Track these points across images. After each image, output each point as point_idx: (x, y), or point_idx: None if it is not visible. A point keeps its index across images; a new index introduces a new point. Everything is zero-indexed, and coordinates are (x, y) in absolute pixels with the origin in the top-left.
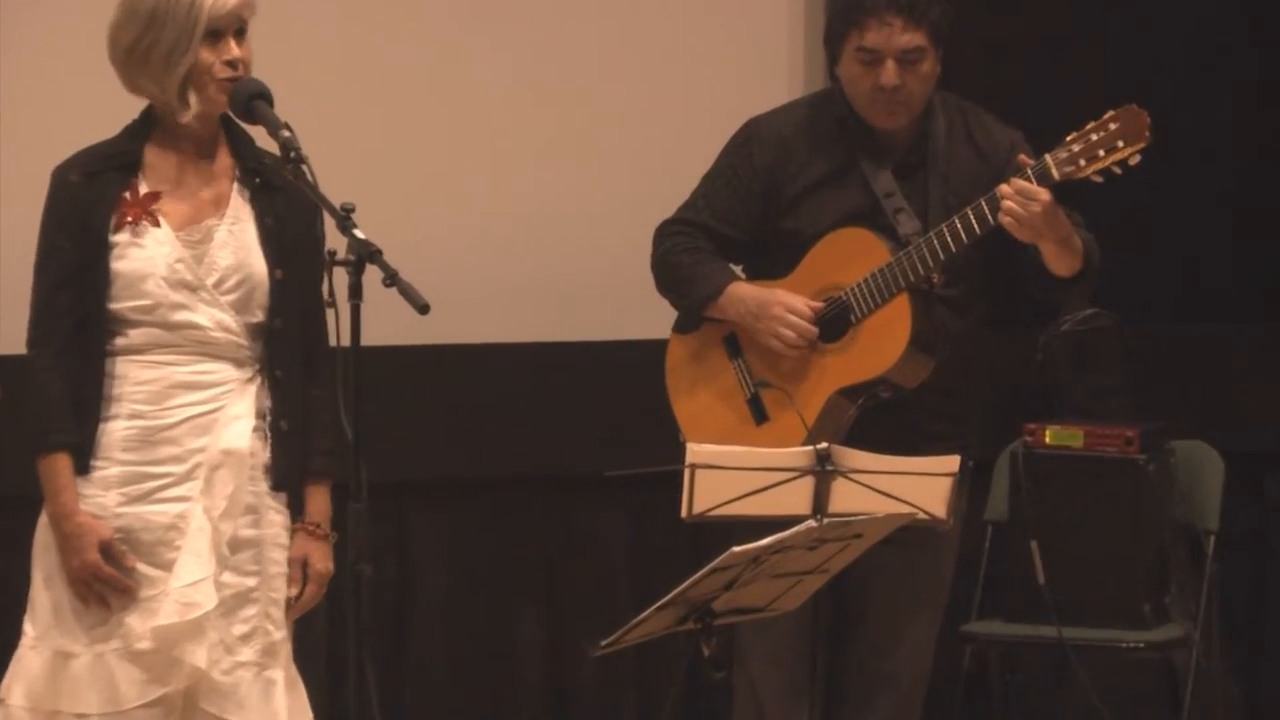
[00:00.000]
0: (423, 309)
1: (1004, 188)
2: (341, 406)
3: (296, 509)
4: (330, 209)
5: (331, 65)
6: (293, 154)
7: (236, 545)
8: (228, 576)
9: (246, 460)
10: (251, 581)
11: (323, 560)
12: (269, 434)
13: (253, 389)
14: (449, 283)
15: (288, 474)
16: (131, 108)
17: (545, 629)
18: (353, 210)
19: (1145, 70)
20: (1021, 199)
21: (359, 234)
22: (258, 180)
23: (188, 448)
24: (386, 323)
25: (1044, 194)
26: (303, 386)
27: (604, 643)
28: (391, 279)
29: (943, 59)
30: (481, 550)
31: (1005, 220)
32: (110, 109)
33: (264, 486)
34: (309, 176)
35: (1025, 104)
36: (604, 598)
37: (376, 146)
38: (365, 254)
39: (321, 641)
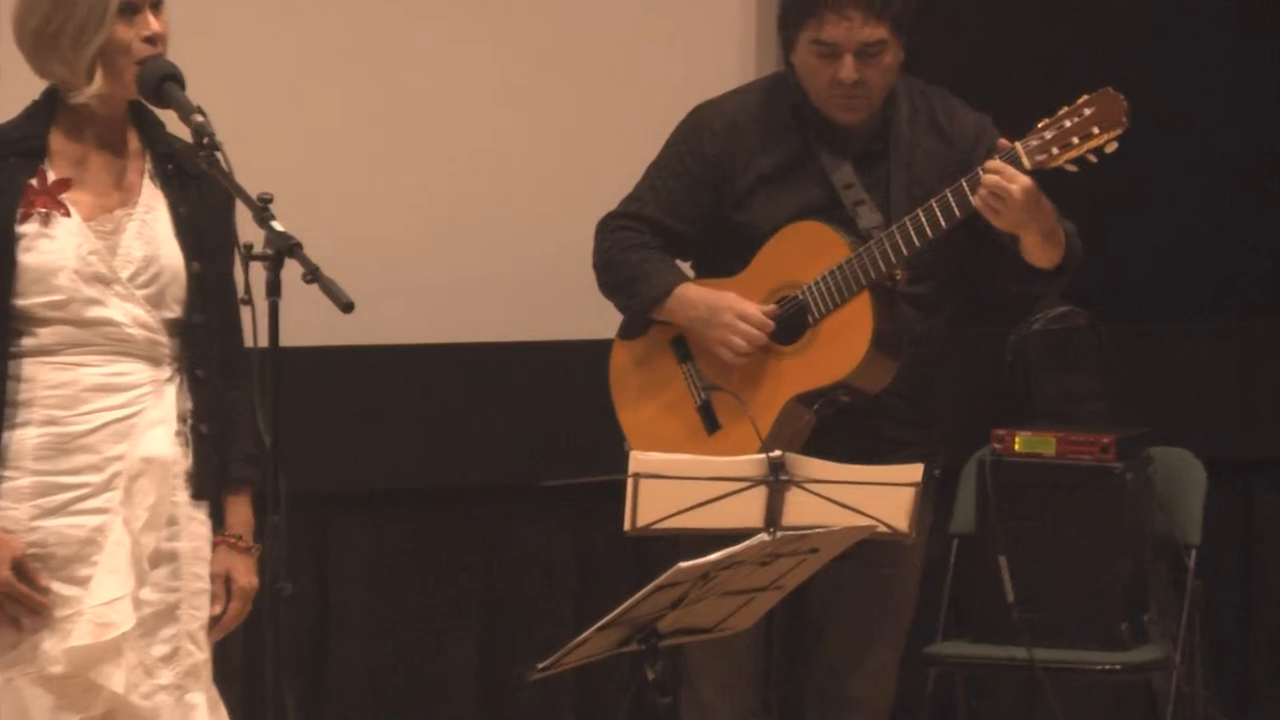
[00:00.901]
0: (346, 307)
1: (990, 164)
2: (259, 412)
3: (217, 520)
4: (246, 199)
5: (253, 44)
6: (206, 140)
7: (157, 559)
8: (147, 593)
9: (168, 468)
10: (172, 598)
11: (246, 575)
12: (190, 439)
13: (171, 390)
14: (375, 279)
15: (209, 482)
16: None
17: (478, 651)
18: (271, 201)
19: (1123, 53)
20: (1003, 180)
21: (277, 226)
22: (170, 167)
23: (105, 455)
24: (307, 322)
25: (1021, 178)
26: (223, 387)
27: (541, 666)
28: (312, 274)
29: (906, 43)
30: (410, 567)
31: (982, 206)
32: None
33: (184, 496)
34: (224, 164)
35: (996, 89)
36: (542, 617)
37: (299, 134)
38: (284, 247)
39: (237, 664)
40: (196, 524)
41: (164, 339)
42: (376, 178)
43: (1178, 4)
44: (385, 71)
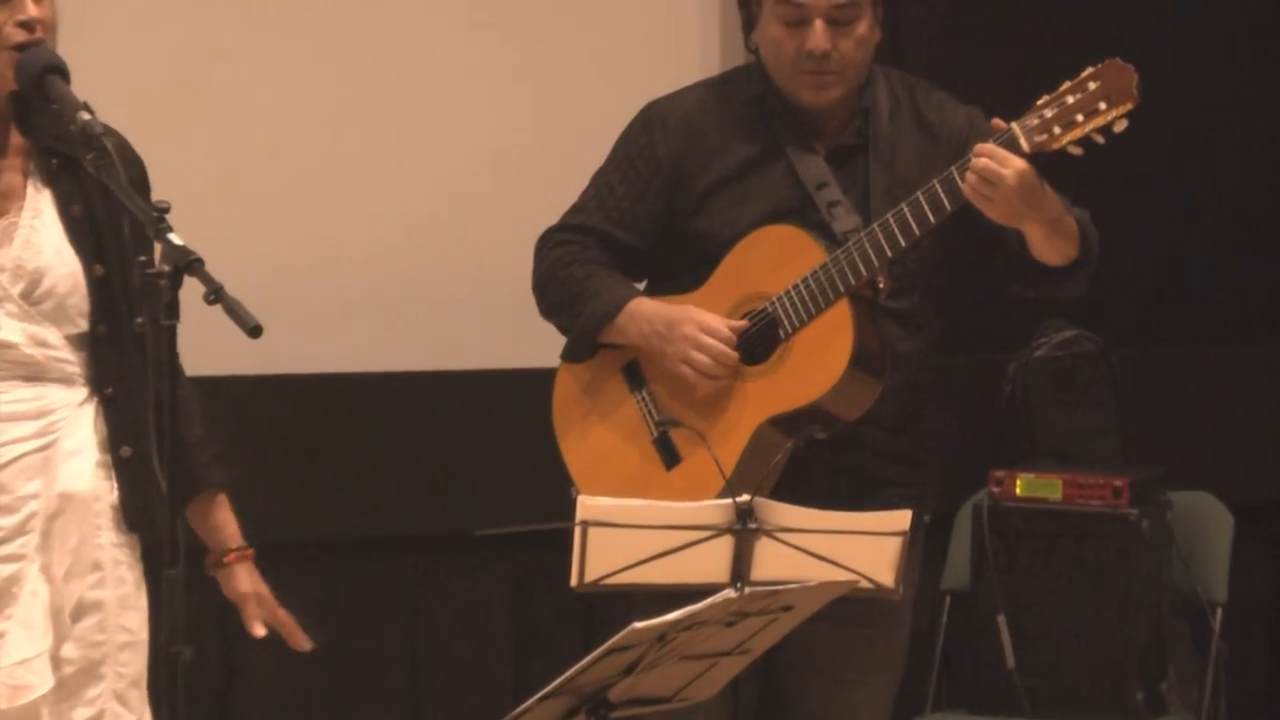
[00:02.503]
0: (253, 331)
1: (980, 146)
2: (156, 454)
3: (152, 555)
4: (137, 209)
5: (159, 41)
6: (93, 141)
7: (79, 611)
8: (68, 650)
9: (90, 505)
10: (96, 654)
11: (262, 585)
12: (113, 467)
13: (88, 414)
14: (287, 300)
15: (140, 513)
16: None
17: None
18: (167, 210)
19: (1134, 27)
20: (994, 164)
21: (175, 239)
22: (55, 162)
23: (18, 494)
24: (208, 348)
25: (1016, 160)
26: (142, 402)
27: None
28: (215, 294)
29: (883, 20)
30: (327, 626)
31: (973, 194)
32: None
33: (110, 536)
34: (114, 169)
35: (985, 75)
36: (476, 685)
37: (203, 140)
38: (183, 263)
39: None
40: (123, 568)
41: (70, 356)
42: (292, 189)
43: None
44: (310, 76)
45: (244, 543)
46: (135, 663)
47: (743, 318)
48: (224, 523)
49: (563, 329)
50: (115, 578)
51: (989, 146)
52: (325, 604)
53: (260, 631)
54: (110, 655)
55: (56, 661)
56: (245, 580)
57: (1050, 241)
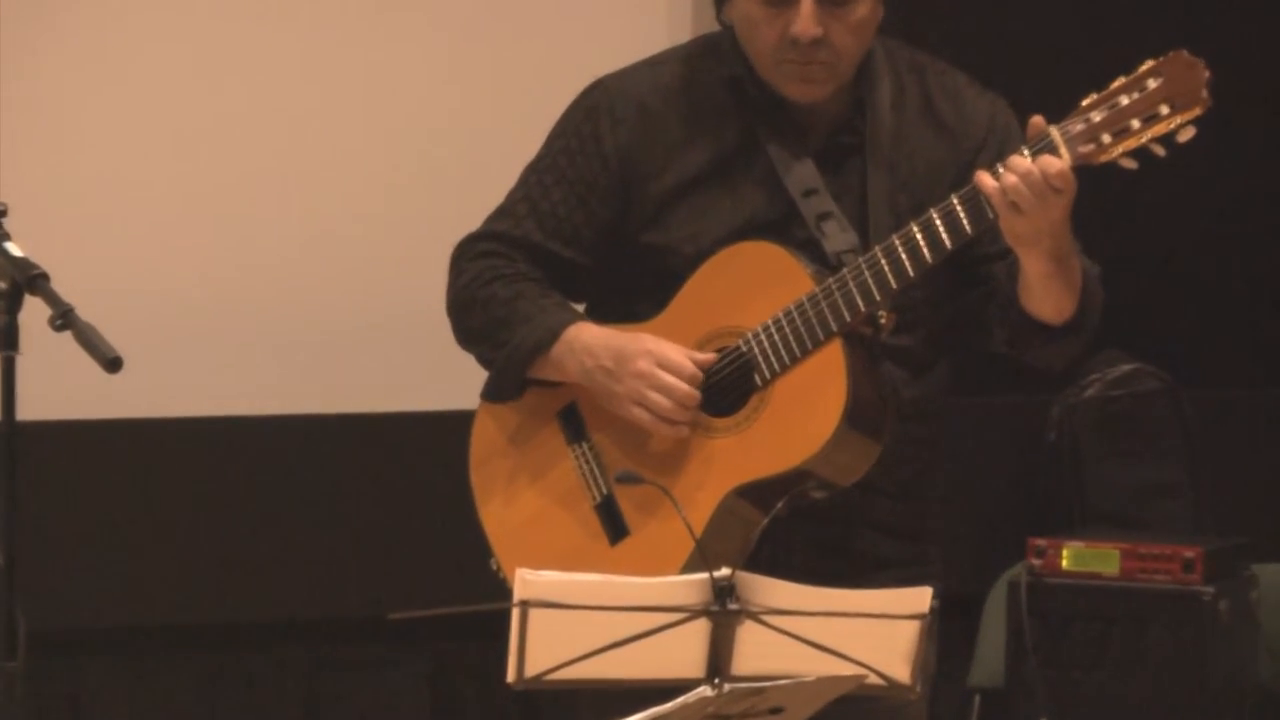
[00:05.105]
0: (112, 364)
1: (1015, 159)
2: None
3: None
4: None
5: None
6: None
7: None
8: None
9: None
10: None
11: None
12: None
13: None
14: (152, 330)
15: None
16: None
17: None
18: (4, 213)
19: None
20: (1041, 179)
21: (13, 250)
22: None
23: None
24: (56, 386)
25: (1057, 162)
26: None
27: None
28: (64, 318)
29: None
30: None
31: (1000, 202)
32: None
33: None
34: None
35: (1023, 60)
36: None
37: (47, 143)
38: (22, 280)
39: None
40: None
41: None
42: (161, 198)
43: None
44: (177, 63)
45: None
46: None
47: (712, 355)
48: None
49: (483, 361)
50: None
51: (1047, 159)
52: (204, 700)
53: None
54: None
55: None
56: None
57: (1048, 284)
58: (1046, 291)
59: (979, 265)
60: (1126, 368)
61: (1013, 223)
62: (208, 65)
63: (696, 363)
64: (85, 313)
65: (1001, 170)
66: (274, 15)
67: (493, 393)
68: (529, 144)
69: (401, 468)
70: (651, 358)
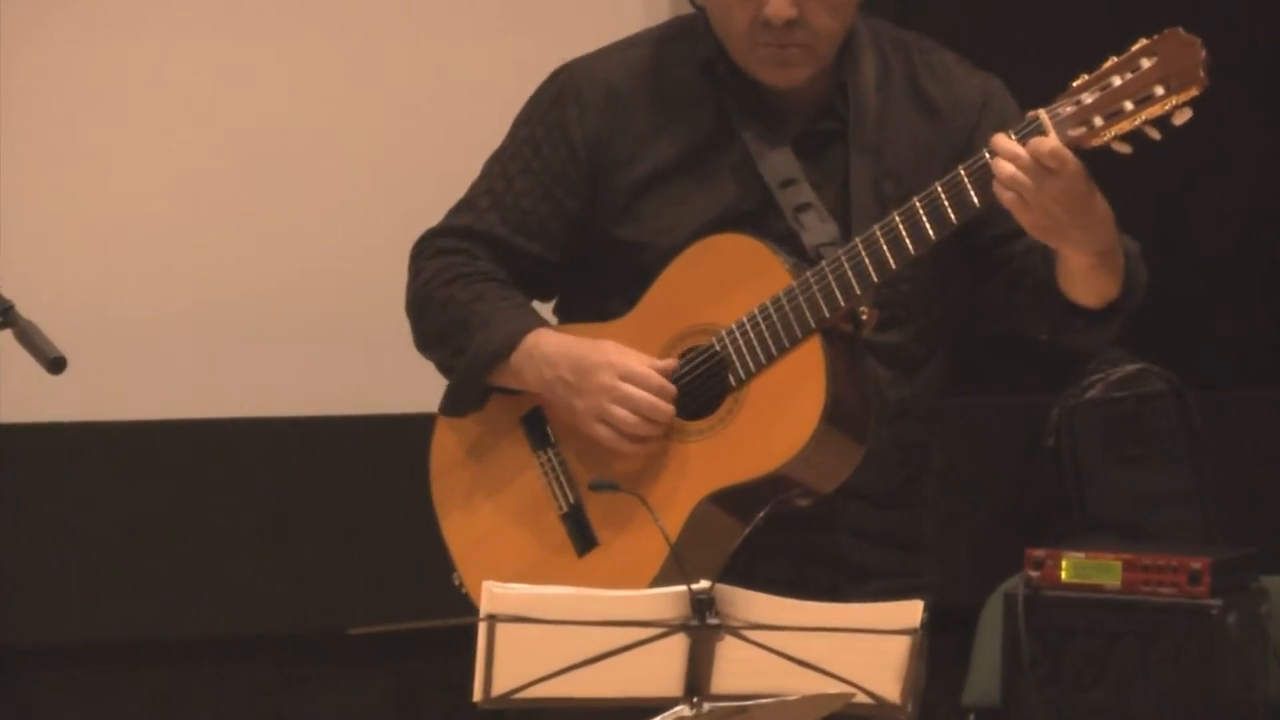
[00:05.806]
0: (54, 364)
1: (1000, 139)
2: None
3: None
4: None
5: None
6: None
7: None
8: None
9: None
10: None
11: None
12: None
13: None
14: (102, 328)
15: None
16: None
17: None
18: None
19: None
20: (1033, 162)
21: None
22: None
23: None
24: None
25: (1070, 159)
26: None
27: None
28: (4, 315)
29: None
30: None
31: (1006, 197)
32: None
33: None
34: None
35: (1015, 41)
36: None
37: (31, 148)
38: None
39: None
40: None
41: None
42: (116, 193)
43: None
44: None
45: None
46: None
47: (680, 357)
48: None
49: (442, 368)
50: None
51: (1043, 140)
52: (168, 718)
53: None
54: None
55: None
56: None
57: (1092, 276)
58: (1090, 282)
59: (995, 248)
60: (1131, 368)
61: (1023, 216)
62: (188, 69)
63: (660, 370)
64: (52, 315)
65: (989, 157)
66: (255, 18)
67: (450, 406)
68: (486, 135)
69: (376, 475)
70: (613, 370)
